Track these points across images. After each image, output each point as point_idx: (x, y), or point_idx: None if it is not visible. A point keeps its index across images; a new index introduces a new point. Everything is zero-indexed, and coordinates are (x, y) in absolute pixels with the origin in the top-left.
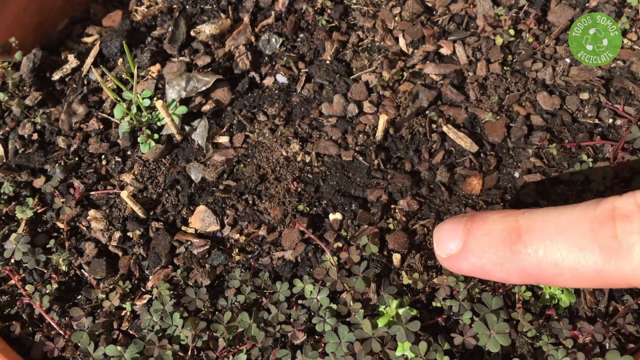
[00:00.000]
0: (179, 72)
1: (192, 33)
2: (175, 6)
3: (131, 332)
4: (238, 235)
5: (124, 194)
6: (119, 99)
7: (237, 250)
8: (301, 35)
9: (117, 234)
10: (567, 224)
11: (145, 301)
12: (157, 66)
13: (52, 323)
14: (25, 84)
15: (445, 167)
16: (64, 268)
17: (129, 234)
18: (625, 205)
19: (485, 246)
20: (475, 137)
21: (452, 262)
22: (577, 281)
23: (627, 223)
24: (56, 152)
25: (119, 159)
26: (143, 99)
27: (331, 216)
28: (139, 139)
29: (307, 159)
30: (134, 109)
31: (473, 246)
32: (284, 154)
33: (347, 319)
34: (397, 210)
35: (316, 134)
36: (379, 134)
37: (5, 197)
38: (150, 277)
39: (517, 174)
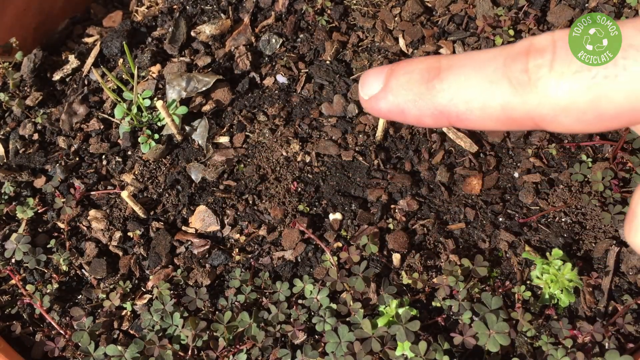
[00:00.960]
0: (179, 73)
1: (192, 33)
2: (175, 6)
3: (131, 331)
4: (238, 235)
5: (124, 194)
6: (119, 99)
7: (237, 250)
8: (301, 35)
9: (118, 234)
10: (483, 61)
11: (145, 301)
12: (158, 66)
13: (52, 323)
14: (26, 84)
15: (445, 167)
16: (64, 268)
17: (130, 233)
18: (541, 41)
19: (404, 83)
20: (474, 137)
21: (372, 103)
22: (484, 118)
23: (539, 57)
24: (57, 152)
25: (120, 159)
26: (143, 99)
27: (331, 216)
28: (139, 139)
29: (307, 159)
30: (134, 109)
31: (393, 85)
32: (284, 154)
33: (347, 319)
34: (397, 210)
35: (316, 134)
36: (379, 134)
37: (6, 197)
38: (151, 277)
39: (516, 174)
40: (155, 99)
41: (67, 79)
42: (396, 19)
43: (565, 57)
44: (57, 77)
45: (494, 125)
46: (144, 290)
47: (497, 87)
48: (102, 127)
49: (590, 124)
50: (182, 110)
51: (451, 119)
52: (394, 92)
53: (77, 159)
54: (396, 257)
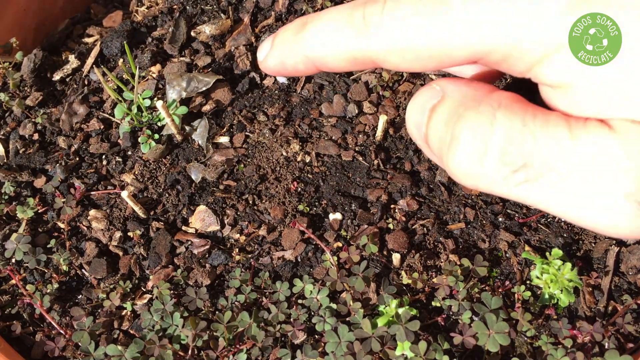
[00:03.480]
0: (179, 73)
1: (192, 33)
2: (175, 7)
3: (132, 331)
4: (238, 235)
5: (124, 194)
6: (119, 99)
7: (237, 250)
8: None
9: (118, 234)
10: (335, 13)
11: (145, 301)
12: (158, 66)
13: (52, 323)
14: (26, 84)
15: None
16: (64, 268)
17: (130, 233)
18: None
19: (282, 40)
20: None
21: (265, 62)
22: (338, 59)
23: (373, 6)
24: (57, 152)
25: (120, 159)
26: (144, 99)
27: (331, 216)
28: (139, 139)
29: (307, 159)
30: (134, 109)
31: (276, 43)
32: (284, 154)
33: (347, 319)
34: (396, 210)
35: (316, 134)
36: (379, 134)
37: (6, 197)
38: (151, 277)
39: None
40: (156, 99)
41: (67, 79)
42: None
43: (393, 6)
44: (57, 77)
45: (346, 66)
46: (144, 290)
47: (344, 33)
48: (102, 127)
49: (413, 63)
50: (182, 110)
51: (316, 63)
52: (277, 48)
53: (77, 159)
54: (396, 257)
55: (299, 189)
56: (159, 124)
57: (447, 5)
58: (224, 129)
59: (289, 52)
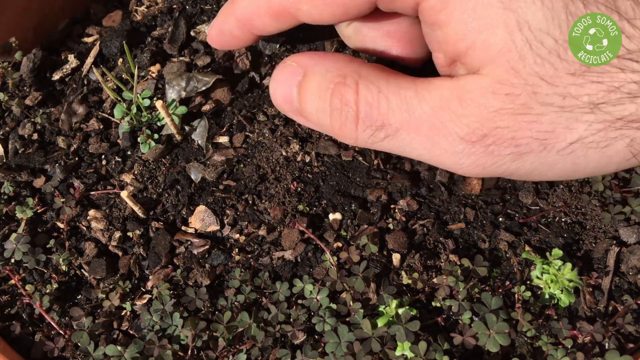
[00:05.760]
0: (179, 72)
1: (192, 33)
2: (175, 6)
3: (131, 331)
4: (238, 235)
5: (124, 194)
6: (119, 99)
7: (237, 250)
8: (301, 35)
9: (117, 234)
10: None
11: (145, 301)
12: (157, 66)
13: (52, 323)
14: (26, 84)
15: None
16: (64, 268)
17: (129, 233)
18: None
19: (221, 12)
20: None
21: (209, 36)
22: (261, 17)
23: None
24: (56, 152)
25: (119, 159)
26: (143, 99)
27: (331, 216)
28: (139, 139)
29: (307, 159)
30: (134, 109)
31: (217, 16)
32: (284, 153)
33: (347, 319)
34: (396, 210)
35: (316, 134)
36: None
37: (6, 197)
38: (150, 277)
39: None
40: (155, 98)
41: (67, 79)
42: None
43: None
44: (56, 76)
45: (271, 23)
46: (144, 290)
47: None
48: (101, 127)
49: (323, 10)
50: (182, 110)
51: (246, 25)
52: (217, 19)
53: (77, 158)
54: (396, 257)
55: (299, 189)
56: (158, 123)
57: None
58: (224, 129)
59: (224, 19)
